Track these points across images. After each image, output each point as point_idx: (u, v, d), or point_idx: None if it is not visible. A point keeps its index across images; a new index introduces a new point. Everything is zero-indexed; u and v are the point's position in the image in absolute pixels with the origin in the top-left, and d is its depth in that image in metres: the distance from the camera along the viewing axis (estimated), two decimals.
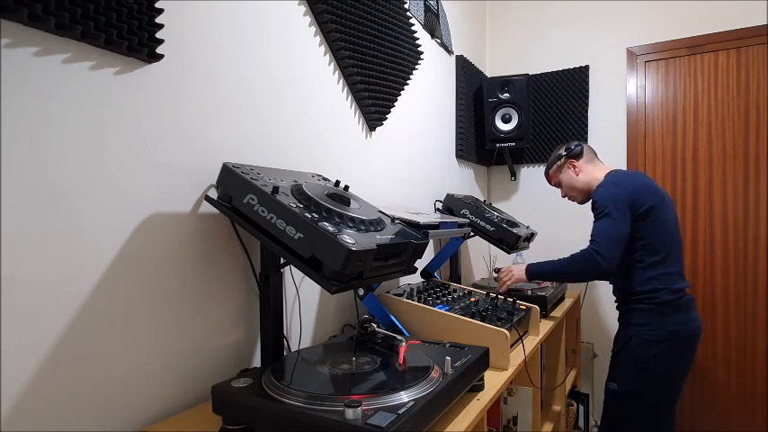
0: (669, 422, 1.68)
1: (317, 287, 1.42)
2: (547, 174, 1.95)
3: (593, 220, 1.63)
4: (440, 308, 1.42)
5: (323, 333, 1.45)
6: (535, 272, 1.71)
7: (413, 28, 1.92)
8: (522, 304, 1.61)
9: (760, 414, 2.31)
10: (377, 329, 1.15)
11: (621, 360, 1.68)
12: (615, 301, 1.77)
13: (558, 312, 1.93)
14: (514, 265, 1.79)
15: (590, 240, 1.59)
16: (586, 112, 2.70)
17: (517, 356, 1.36)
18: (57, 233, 0.80)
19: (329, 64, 1.49)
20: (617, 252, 1.55)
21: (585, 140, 2.68)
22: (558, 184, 1.92)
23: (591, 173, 1.81)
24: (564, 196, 1.93)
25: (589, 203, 1.76)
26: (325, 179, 1.25)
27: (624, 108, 2.61)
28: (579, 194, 1.86)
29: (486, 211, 2.05)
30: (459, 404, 1.01)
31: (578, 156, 1.83)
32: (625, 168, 2.55)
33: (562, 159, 1.86)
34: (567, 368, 2.15)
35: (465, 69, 2.51)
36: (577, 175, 1.83)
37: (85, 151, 0.84)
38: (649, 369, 1.61)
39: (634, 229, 1.59)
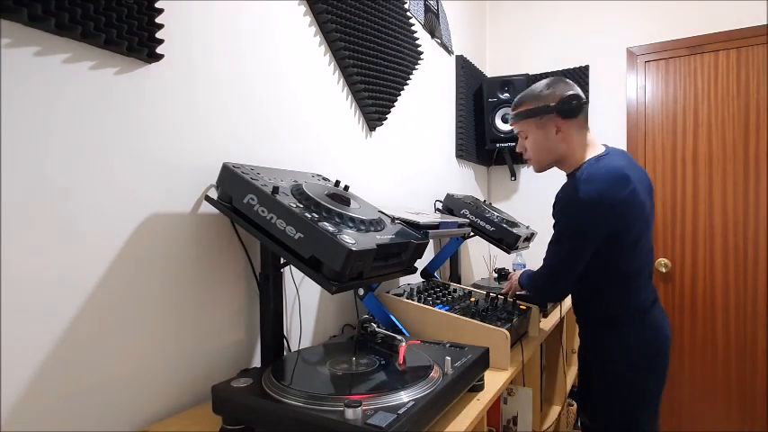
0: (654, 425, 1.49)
1: (317, 287, 1.42)
2: (516, 112, 1.41)
3: (553, 228, 1.35)
4: (440, 308, 1.42)
5: (323, 333, 1.45)
6: (521, 283, 1.60)
7: (413, 28, 1.92)
8: (522, 304, 1.61)
9: (760, 414, 2.31)
10: (377, 329, 1.15)
11: (591, 388, 1.46)
12: (575, 314, 1.54)
13: (558, 312, 1.93)
14: (515, 272, 1.75)
15: (543, 264, 1.39)
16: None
17: (517, 356, 1.36)
18: (56, 233, 0.80)
19: (329, 64, 1.49)
20: (569, 282, 1.36)
21: None
22: (522, 135, 1.44)
23: (572, 144, 1.37)
24: (519, 151, 1.49)
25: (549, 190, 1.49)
26: (325, 179, 1.25)
27: (624, 108, 2.61)
28: (545, 161, 1.42)
29: (486, 211, 2.05)
30: (459, 404, 1.01)
31: (571, 117, 1.35)
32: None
33: (549, 116, 1.35)
34: (566, 368, 2.15)
35: (465, 69, 2.51)
36: (559, 140, 1.37)
37: (85, 151, 0.84)
38: (628, 394, 1.38)
39: (601, 253, 1.31)
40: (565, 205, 1.31)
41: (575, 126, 1.37)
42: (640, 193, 1.32)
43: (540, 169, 1.46)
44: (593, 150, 1.39)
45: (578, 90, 1.36)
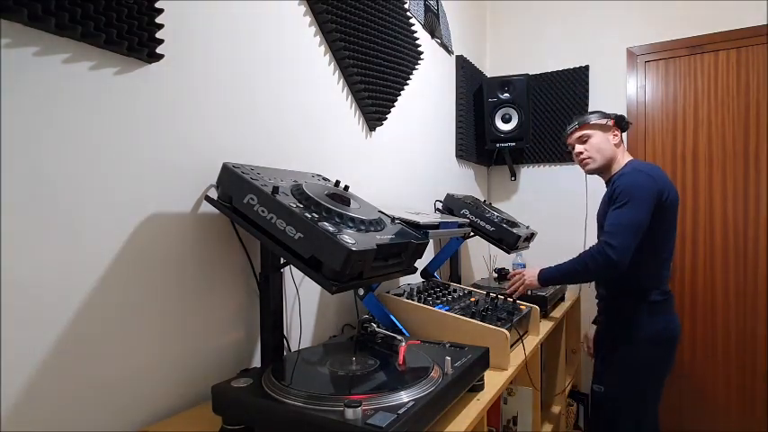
0: (654, 419, 1.68)
1: (317, 287, 1.42)
2: (584, 121, 1.76)
3: (612, 207, 1.56)
4: (440, 308, 1.42)
5: (323, 333, 1.45)
6: (548, 277, 1.66)
7: (413, 28, 1.92)
8: (522, 304, 1.61)
9: (760, 414, 2.31)
10: (377, 329, 1.15)
11: (607, 361, 1.68)
12: (599, 295, 1.75)
13: (558, 312, 1.93)
14: (526, 270, 1.75)
15: (605, 231, 1.54)
16: (586, 112, 2.70)
17: (517, 356, 1.36)
18: (57, 233, 0.80)
19: (329, 64, 1.49)
20: (632, 243, 1.49)
21: None
22: (583, 140, 1.76)
23: (620, 152, 1.74)
24: (578, 155, 1.78)
25: (603, 192, 1.71)
26: (325, 179, 1.25)
27: (624, 108, 2.60)
28: (601, 162, 1.73)
29: (486, 211, 2.05)
30: (459, 404, 1.01)
31: (623, 130, 1.76)
32: None
33: (610, 122, 1.73)
34: (566, 368, 2.15)
35: (465, 69, 2.51)
36: (612, 146, 1.72)
37: (85, 151, 0.84)
38: (636, 369, 1.60)
39: (651, 224, 1.53)
40: (626, 177, 1.57)
41: (622, 138, 1.75)
42: (674, 187, 1.62)
43: (594, 168, 1.76)
44: (630, 158, 1.75)
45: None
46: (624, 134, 1.76)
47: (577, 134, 1.77)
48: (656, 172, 1.59)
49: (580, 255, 1.60)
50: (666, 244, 1.61)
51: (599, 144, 1.73)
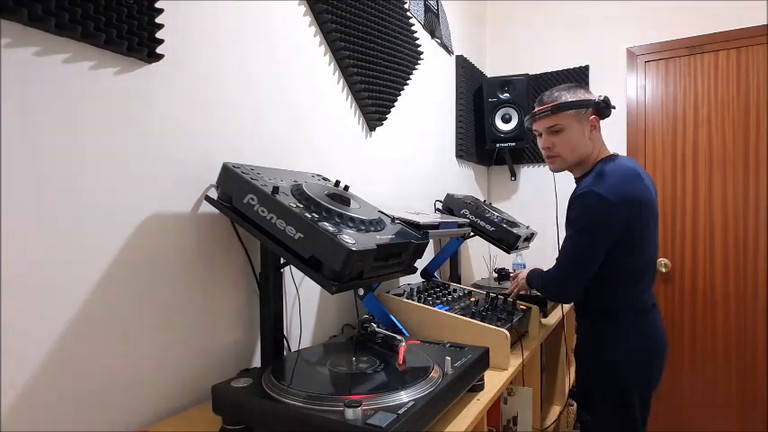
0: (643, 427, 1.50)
1: (317, 287, 1.42)
2: (557, 109, 1.39)
3: (567, 224, 1.37)
4: (440, 308, 1.42)
5: (323, 333, 1.45)
6: (530, 282, 1.59)
7: (413, 28, 1.92)
8: (522, 304, 1.61)
9: (760, 414, 2.31)
10: (377, 329, 1.15)
11: (590, 386, 1.46)
12: (575, 307, 1.56)
13: (559, 312, 1.93)
14: (521, 272, 1.71)
15: (556, 260, 1.39)
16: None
17: (517, 356, 1.36)
18: (56, 233, 0.80)
19: (329, 64, 1.49)
20: (583, 279, 1.35)
21: None
22: (554, 130, 1.42)
23: (596, 145, 1.43)
24: (544, 147, 1.46)
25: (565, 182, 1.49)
26: (325, 179, 1.25)
27: (624, 108, 2.60)
28: (570, 161, 1.44)
29: (486, 211, 2.05)
30: (459, 404, 1.01)
31: (603, 117, 1.42)
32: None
33: (589, 110, 1.40)
34: (566, 368, 2.15)
35: (465, 69, 2.51)
36: (586, 140, 1.41)
37: (85, 151, 0.84)
38: (616, 395, 1.39)
39: (613, 251, 1.33)
40: (583, 202, 1.32)
41: (599, 128, 1.44)
42: (651, 192, 1.37)
43: (562, 167, 1.47)
44: (604, 153, 1.45)
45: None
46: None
47: (548, 122, 1.42)
48: (621, 191, 1.29)
49: (546, 272, 1.47)
50: (637, 265, 1.37)
51: (574, 140, 1.40)
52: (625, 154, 2.59)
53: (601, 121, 1.45)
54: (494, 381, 1.16)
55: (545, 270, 1.50)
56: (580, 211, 1.32)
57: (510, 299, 1.64)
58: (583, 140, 1.41)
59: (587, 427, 1.51)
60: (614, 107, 1.43)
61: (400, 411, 0.75)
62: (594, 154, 1.43)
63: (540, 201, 2.82)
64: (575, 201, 1.35)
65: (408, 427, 0.74)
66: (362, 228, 0.96)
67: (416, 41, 1.95)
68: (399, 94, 1.84)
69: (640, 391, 1.39)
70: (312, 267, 0.87)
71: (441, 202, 2.13)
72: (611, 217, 1.28)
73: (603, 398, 1.42)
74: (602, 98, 1.40)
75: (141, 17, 0.90)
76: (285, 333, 1.19)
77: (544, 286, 1.47)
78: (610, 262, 1.35)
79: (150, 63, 0.95)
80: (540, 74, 2.80)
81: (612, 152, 1.47)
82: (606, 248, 1.32)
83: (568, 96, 1.40)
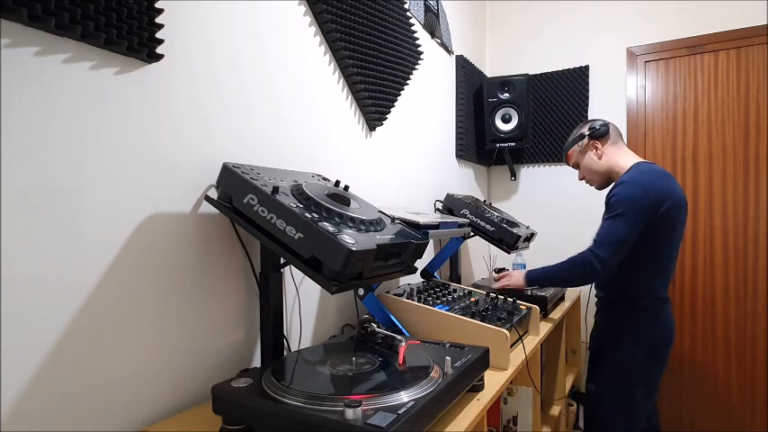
0: (650, 419, 1.70)
1: (317, 287, 1.42)
2: (566, 153, 1.82)
3: (604, 215, 1.55)
4: (440, 308, 1.42)
5: (323, 333, 1.45)
6: (534, 278, 1.69)
7: (413, 28, 1.92)
8: (523, 304, 1.61)
9: (760, 414, 2.31)
10: (377, 329, 1.15)
11: (598, 360, 1.69)
12: (597, 295, 1.75)
13: (559, 312, 1.93)
14: (515, 271, 1.79)
15: (593, 240, 1.54)
16: (586, 112, 2.70)
17: (517, 356, 1.36)
18: (57, 233, 0.80)
19: (329, 64, 1.49)
20: (618, 258, 1.50)
21: None
22: (576, 166, 1.80)
23: (614, 157, 1.68)
24: (581, 179, 1.81)
25: (604, 192, 1.67)
26: (325, 179, 1.25)
27: (624, 108, 2.60)
28: (598, 179, 1.74)
29: (486, 211, 2.05)
30: (459, 404, 1.01)
31: (602, 137, 1.69)
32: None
33: (584, 140, 1.72)
34: (566, 368, 2.15)
35: (465, 69, 2.51)
36: (599, 158, 1.69)
37: (85, 151, 0.84)
38: (622, 370, 1.60)
39: (642, 237, 1.51)
40: (621, 188, 1.52)
41: (608, 144, 1.70)
42: (681, 191, 1.57)
43: (597, 186, 1.77)
44: (634, 159, 1.66)
45: (604, 120, 1.73)
46: (608, 138, 1.69)
47: (569, 163, 1.83)
48: (654, 183, 1.51)
49: (569, 260, 1.59)
50: (661, 257, 1.57)
51: (589, 166, 1.73)
52: None
53: (610, 135, 1.70)
54: (494, 381, 1.16)
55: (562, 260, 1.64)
56: (618, 197, 1.51)
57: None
58: (597, 163, 1.70)
59: (591, 395, 1.69)
60: (605, 125, 1.69)
61: (400, 411, 0.75)
62: (616, 167, 1.66)
63: (540, 201, 2.82)
64: (615, 187, 1.56)
65: (408, 427, 0.74)
66: (362, 228, 0.96)
67: (416, 41, 1.95)
68: (399, 94, 1.84)
69: (644, 372, 1.59)
70: (312, 267, 0.87)
71: (441, 202, 2.13)
72: (645, 200, 1.48)
73: (613, 372, 1.62)
74: (591, 123, 1.72)
75: (141, 17, 0.90)
76: (285, 333, 1.19)
77: (573, 264, 1.57)
78: (638, 250, 1.51)
79: (150, 63, 0.95)
80: (540, 74, 2.80)
81: (641, 159, 1.66)
82: (639, 231, 1.48)
83: (569, 139, 1.80)
